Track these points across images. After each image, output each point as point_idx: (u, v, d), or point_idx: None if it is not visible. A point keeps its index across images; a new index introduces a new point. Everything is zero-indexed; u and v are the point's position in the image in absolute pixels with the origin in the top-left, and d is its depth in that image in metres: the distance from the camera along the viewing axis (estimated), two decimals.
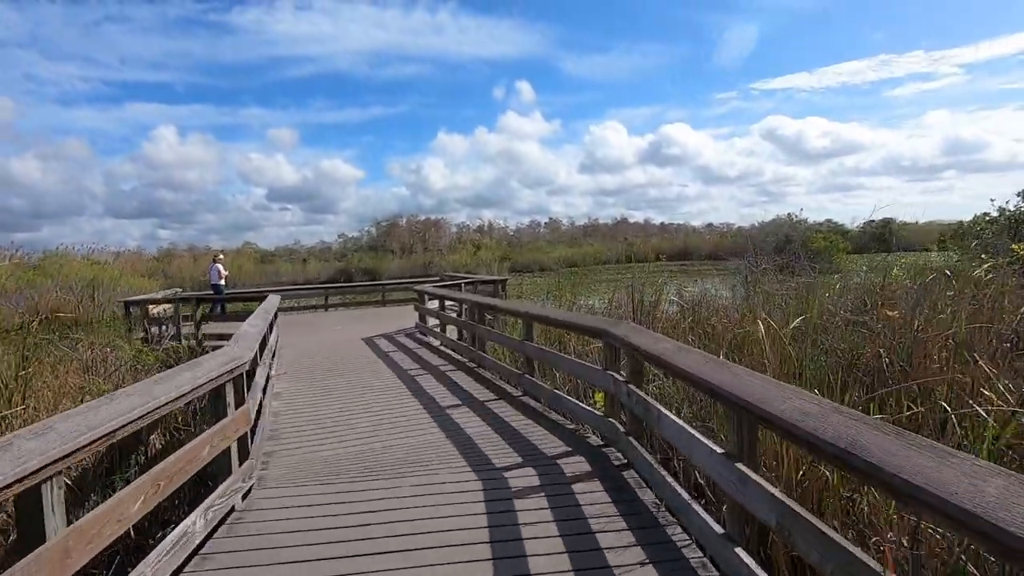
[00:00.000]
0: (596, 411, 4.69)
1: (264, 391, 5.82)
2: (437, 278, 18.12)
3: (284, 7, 77.52)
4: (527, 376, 6.04)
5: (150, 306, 10.46)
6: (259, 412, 5.13)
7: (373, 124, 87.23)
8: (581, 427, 4.93)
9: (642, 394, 3.74)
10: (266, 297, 9.64)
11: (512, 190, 79.73)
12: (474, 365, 7.95)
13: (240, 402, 3.92)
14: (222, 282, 14.50)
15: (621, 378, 4.08)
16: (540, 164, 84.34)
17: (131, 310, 10.55)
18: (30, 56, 69.99)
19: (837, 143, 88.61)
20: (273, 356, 7.96)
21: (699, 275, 34.41)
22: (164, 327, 10.20)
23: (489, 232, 56.97)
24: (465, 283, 12.84)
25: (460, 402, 6.12)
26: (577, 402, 5.08)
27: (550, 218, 68.81)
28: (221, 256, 15.48)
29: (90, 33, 69.94)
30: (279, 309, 9.51)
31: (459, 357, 8.61)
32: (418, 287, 11.04)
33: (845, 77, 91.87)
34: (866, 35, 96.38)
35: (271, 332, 8.40)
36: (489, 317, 8.53)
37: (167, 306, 10.52)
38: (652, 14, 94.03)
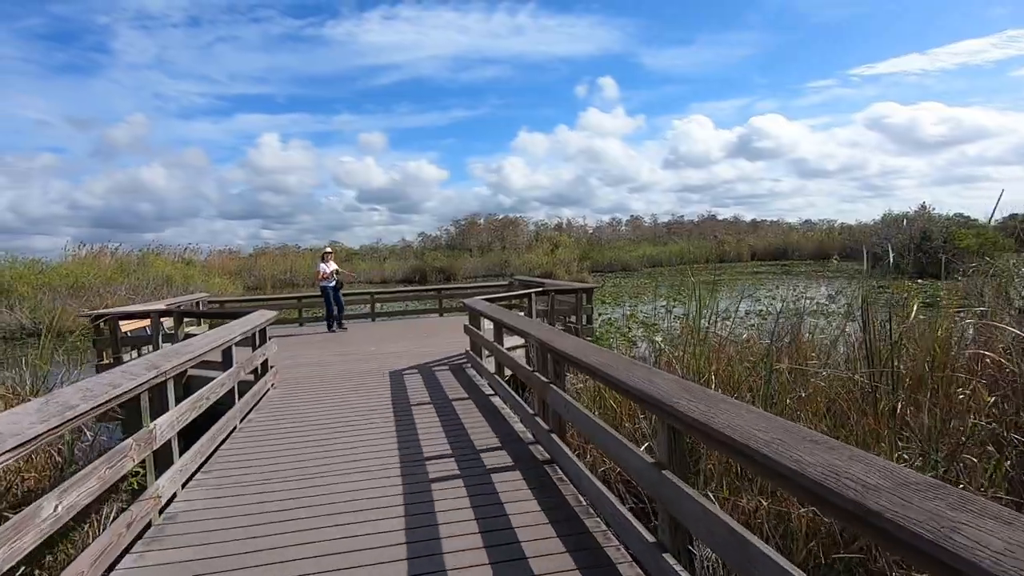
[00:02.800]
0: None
1: None
2: (507, 282, 14.46)
3: (372, 18, 78.95)
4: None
5: (121, 322, 7.62)
6: None
7: (455, 126, 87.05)
8: None
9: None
10: (249, 314, 6.36)
11: (592, 188, 76.03)
12: (545, 458, 4.20)
13: None
14: (333, 282, 11.36)
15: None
16: (621, 161, 79.73)
17: (102, 326, 7.75)
18: (157, 76, 75.63)
19: (957, 130, 76.92)
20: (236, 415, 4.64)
21: (807, 277, 28.84)
22: (141, 353, 7.27)
23: (568, 230, 53.03)
24: (537, 293, 9.04)
25: None
26: None
27: (631, 216, 63.91)
28: (330, 251, 11.87)
29: (205, 53, 74.55)
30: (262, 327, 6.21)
31: (521, 432, 4.86)
32: (468, 300, 7.37)
33: (964, 57, 79.54)
34: (985, 10, 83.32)
35: (231, 373, 5.11)
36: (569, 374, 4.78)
37: (147, 322, 7.63)
38: (737, 2, 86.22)
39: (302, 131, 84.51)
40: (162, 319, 7.48)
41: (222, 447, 4.66)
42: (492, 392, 6.05)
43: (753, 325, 12.12)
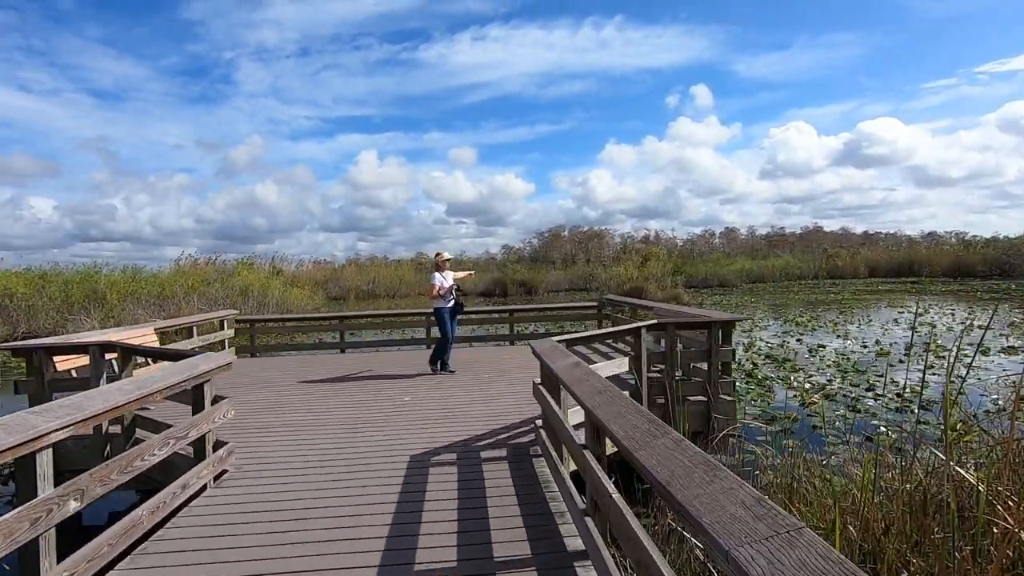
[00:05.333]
0: None
1: None
2: (594, 302, 11.19)
3: (463, 39, 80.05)
4: None
5: (56, 358, 5.30)
6: None
7: (540, 141, 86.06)
8: None
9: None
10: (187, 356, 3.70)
11: (681, 200, 71.16)
12: None
13: None
14: (451, 302, 7.70)
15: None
16: (713, 172, 74.11)
17: (37, 361, 5.34)
18: (271, 103, 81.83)
19: None
20: None
21: (955, 298, 22.97)
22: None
23: (656, 243, 48.61)
24: (649, 327, 5.61)
25: None
26: None
27: (726, 227, 58.17)
28: (448, 256, 7.95)
29: (312, 80, 79.46)
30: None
31: None
32: (541, 346, 4.19)
33: None
34: None
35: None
36: None
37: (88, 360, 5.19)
38: (840, 2, 77.64)
39: (396, 148, 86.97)
40: (107, 355, 5.08)
41: None
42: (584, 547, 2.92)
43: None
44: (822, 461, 4.96)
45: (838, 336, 14.88)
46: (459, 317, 8.23)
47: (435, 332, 10.49)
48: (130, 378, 3.89)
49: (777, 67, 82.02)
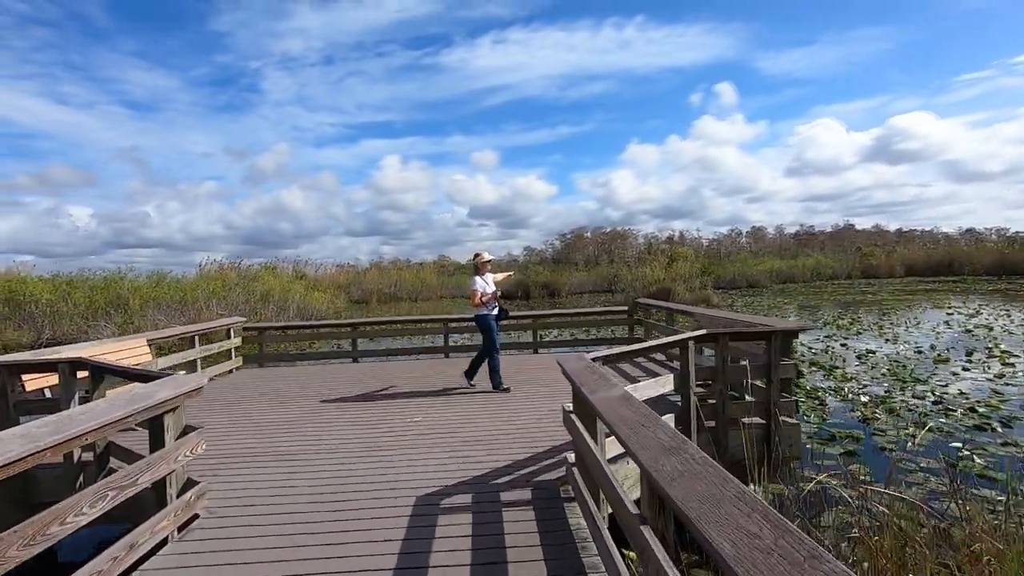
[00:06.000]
0: None
1: None
2: (624, 305, 10.31)
3: (483, 43, 79.85)
4: None
5: (25, 376, 4.70)
6: None
7: (561, 143, 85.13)
8: None
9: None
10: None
11: (704, 199, 69.51)
12: None
13: None
14: (495, 309, 6.78)
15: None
16: (738, 170, 72.26)
17: (1, 381, 4.69)
18: (296, 111, 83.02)
19: None
20: None
21: (1004, 298, 21.34)
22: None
23: (681, 243, 47.28)
24: (698, 339, 4.72)
25: None
26: None
27: (753, 226, 56.44)
28: (489, 257, 6.84)
29: (336, 87, 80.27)
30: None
31: None
32: (569, 364, 3.40)
33: None
34: None
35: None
36: None
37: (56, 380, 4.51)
38: None
39: (419, 153, 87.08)
40: (78, 373, 4.46)
41: None
42: None
43: None
44: (900, 492, 4.06)
45: (886, 340, 13.71)
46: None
47: (454, 339, 9.78)
48: (86, 405, 3.22)
49: (803, 63, 79.82)
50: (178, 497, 3.17)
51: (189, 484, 3.39)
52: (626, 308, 9.79)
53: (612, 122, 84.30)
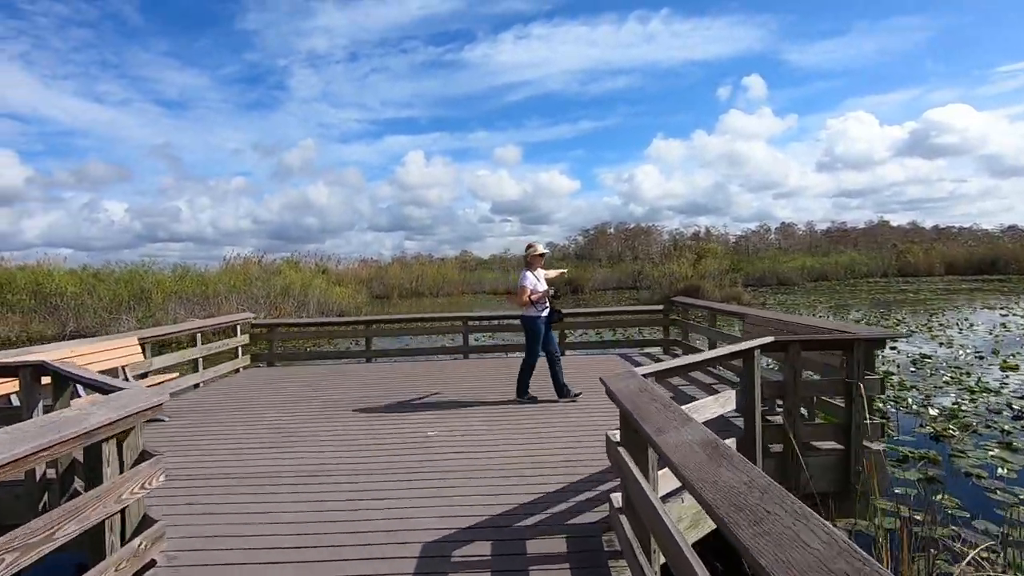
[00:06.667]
0: None
1: None
2: (659, 305, 9.44)
3: (506, 39, 79.30)
4: None
5: None
6: None
7: (584, 138, 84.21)
8: None
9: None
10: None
11: (731, 195, 67.68)
12: None
13: None
14: (546, 309, 5.89)
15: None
16: (765, 165, 70.09)
17: None
18: (322, 107, 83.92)
19: None
20: None
21: None
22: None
23: (707, 239, 45.81)
24: (764, 348, 3.92)
25: None
26: None
27: (782, 222, 54.45)
28: (543, 250, 5.91)
29: (361, 84, 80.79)
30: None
31: None
32: (619, 387, 2.67)
33: None
34: None
35: None
36: None
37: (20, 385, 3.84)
38: None
39: (442, 148, 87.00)
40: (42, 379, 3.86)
41: None
42: None
43: None
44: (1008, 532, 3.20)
45: (940, 344, 12.56)
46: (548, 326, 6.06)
47: (475, 339, 9.05)
48: (47, 416, 2.58)
49: (834, 55, 76.91)
50: (124, 544, 2.50)
51: (147, 522, 2.73)
52: (661, 307, 8.93)
53: (636, 116, 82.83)
